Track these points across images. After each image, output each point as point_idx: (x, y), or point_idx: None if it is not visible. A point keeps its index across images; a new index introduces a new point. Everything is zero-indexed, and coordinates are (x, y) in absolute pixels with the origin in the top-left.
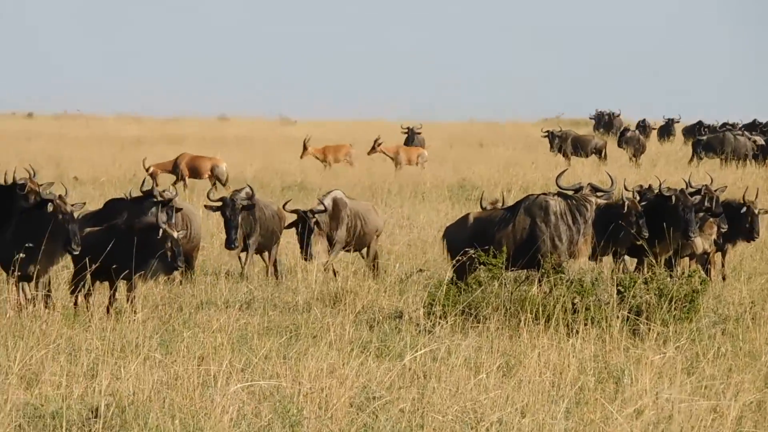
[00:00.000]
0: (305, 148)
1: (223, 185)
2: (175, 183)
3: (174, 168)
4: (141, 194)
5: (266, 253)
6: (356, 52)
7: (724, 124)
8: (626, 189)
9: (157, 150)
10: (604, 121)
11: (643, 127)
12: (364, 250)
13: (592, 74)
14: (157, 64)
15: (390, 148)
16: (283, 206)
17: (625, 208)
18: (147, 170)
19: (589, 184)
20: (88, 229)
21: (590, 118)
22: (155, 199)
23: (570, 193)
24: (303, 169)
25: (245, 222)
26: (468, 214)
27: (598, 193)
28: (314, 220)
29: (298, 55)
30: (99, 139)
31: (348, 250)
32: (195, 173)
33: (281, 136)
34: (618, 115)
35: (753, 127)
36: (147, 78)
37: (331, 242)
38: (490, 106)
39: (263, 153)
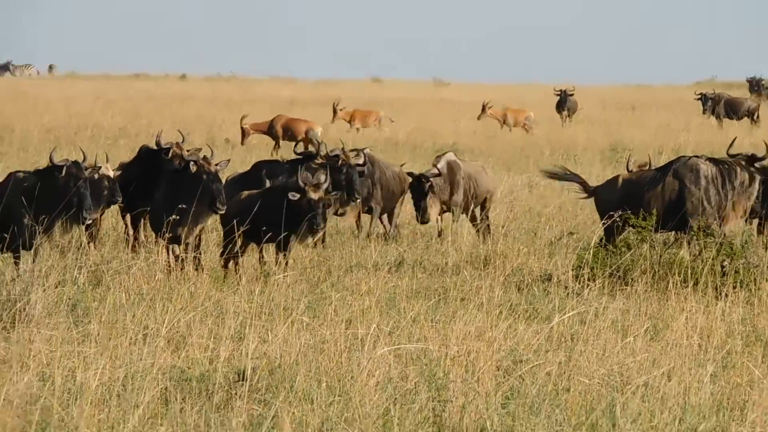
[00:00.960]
0: (335, 112)
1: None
2: (276, 146)
3: (270, 129)
4: (298, 156)
5: (387, 215)
6: (507, 15)
7: None
8: None
9: (309, 112)
10: (757, 84)
11: None
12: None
13: (747, 36)
14: (311, 26)
15: (497, 111)
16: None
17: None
18: (242, 128)
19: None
20: (246, 193)
21: (747, 81)
22: (314, 162)
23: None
24: (456, 131)
25: (363, 185)
26: (618, 176)
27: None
28: (429, 183)
29: (453, 17)
30: (251, 101)
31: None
32: (290, 135)
33: (434, 98)
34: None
35: None
36: (301, 40)
37: (448, 206)
38: (643, 69)
39: (416, 115)
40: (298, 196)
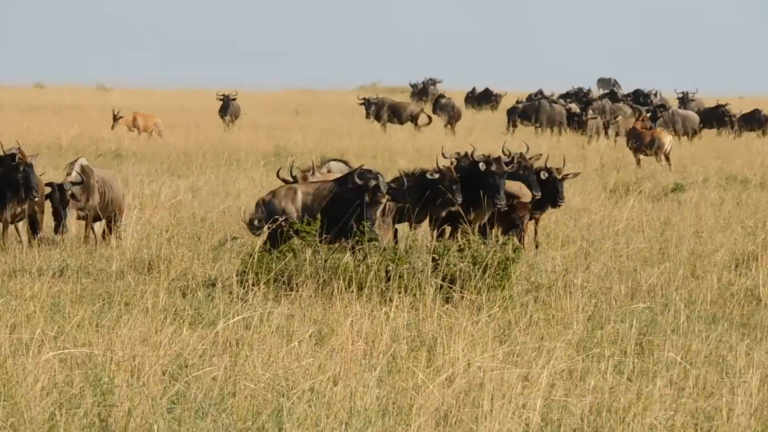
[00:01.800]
0: None
1: None
2: None
3: None
4: None
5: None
6: (169, 20)
7: (539, 93)
8: (444, 156)
9: None
10: (420, 89)
11: (473, 97)
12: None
13: (409, 42)
14: None
15: (128, 117)
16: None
17: (440, 174)
18: None
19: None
20: None
21: (410, 86)
22: None
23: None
24: (119, 136)
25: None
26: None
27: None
28: (70, 192)
29: (115, 23)
30: None
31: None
32: None
33: (97, 104)
34: (436, 83)
35: (566, 96)
36: None
37: (83, 211)
38: (307, 74)
39: (79, 121)
40: None
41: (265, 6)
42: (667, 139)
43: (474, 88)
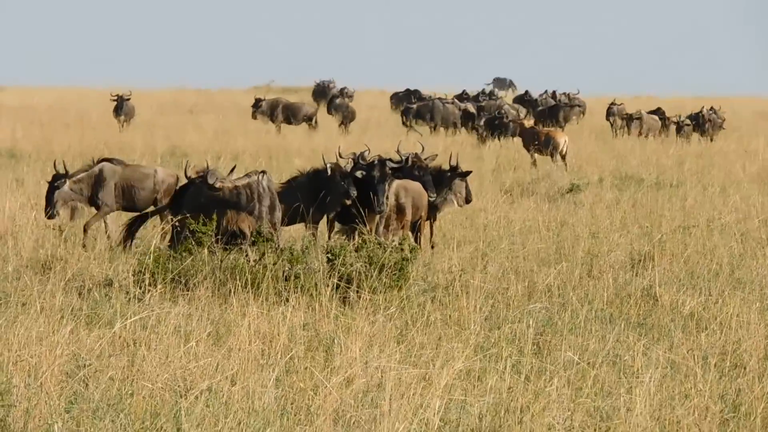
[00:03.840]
0: None
1: None
2: None
3: None
4: None
5: None
6: (68, 18)
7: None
8: (341, 156)
9: None
10: (320, 90)
11: (402, 96)
12: None
13: (307, 42)
14: None
15: None
16: None
17: (329, 171)
18: None
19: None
20: None
21: (315, 83)
22: None
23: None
24: (14, 136)
25: None
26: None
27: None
28: None
29: (8, 19)
30: None
31: None
32: None
33: None
34: (332, 85)
35: (461, 98)
36: None
37: None
38: (201, 73)
39: None
40: None
41: (155, 4)
42: (562, 140)
43: (407, 89)
